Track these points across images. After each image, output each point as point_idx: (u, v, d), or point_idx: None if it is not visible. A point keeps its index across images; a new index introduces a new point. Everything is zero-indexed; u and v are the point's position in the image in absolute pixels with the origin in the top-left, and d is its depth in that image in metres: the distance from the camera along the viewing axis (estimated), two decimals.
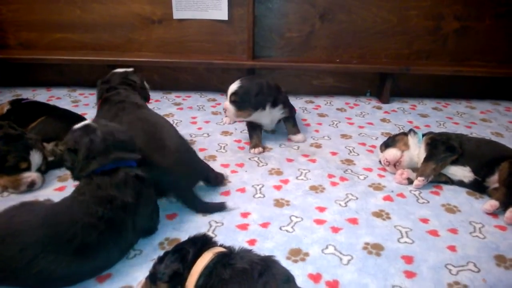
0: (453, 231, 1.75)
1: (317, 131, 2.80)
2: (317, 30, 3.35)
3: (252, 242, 1.65)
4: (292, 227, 1.75)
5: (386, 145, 2.28)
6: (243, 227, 1.74)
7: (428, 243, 1.67)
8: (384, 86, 3.34)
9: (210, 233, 1.68)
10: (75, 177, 1.57)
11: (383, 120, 3.02)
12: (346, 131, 2.79)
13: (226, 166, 2.27)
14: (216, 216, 1.81)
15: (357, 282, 1.45)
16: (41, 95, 3.42)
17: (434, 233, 1.73)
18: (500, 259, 1.58)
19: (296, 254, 1.58)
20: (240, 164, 2.30)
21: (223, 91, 3.15)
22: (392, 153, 2.19)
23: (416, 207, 1.92)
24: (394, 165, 2.19)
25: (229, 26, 3.37)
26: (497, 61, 3.38)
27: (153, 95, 3.45)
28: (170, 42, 3.46)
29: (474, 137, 2.27)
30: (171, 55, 3.43)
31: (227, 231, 1.71)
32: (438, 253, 1.61)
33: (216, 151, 2.47)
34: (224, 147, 2.53)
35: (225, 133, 2.72)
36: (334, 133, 2.76)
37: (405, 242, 1.67)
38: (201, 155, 2.38)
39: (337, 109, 3.24)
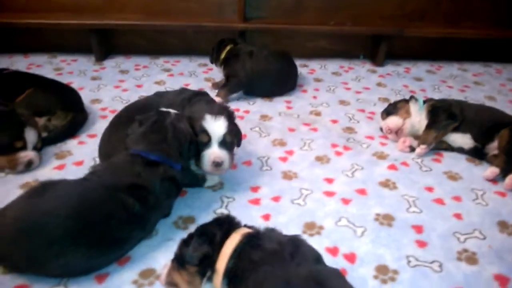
0: (457, 198, 1.82)
1: (315, 97, 2.78)
2: None
3: (266, 217, 1.66)
4: (303, 200, 1.77)
5: (387, 112, 2.29)
6: (255, 201, 1.75)
7: (435, 212, 1.73)
8: (378, 49, 3.30)
9: (224, 209, 1.69)
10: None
11: (379, 84, 3.02)
12: (343, 97, 2.78)
13: None
14: (227, 192, 1.81)
15: (373, 253, 1.50)
16: (19, 63, 3.22)
17: (439, 201, 1.79)
18: (503, 225, 1.66)
19: (311, 227, 1.61)
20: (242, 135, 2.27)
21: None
22: (394, 121, 2.21)
23: (420, 176, 1.97)
24: (396, 133, 2.22)
25: None
26: (489, 23, 3.38)
27: (140, 60, 3.34)
28: (154, 3, 3.27)
29: (474, 104, 2.31)
30: (157, 17, 3.25)
31: (240, 207, 1.72)
32: (445, 221, 1.67)
33: None
34: None
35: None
36: (332, 99, 2.75)
37: (414, 211, 1.72)
38: None
39: (332, 73, 3.20)
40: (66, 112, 2.23)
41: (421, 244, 1.55)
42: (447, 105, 2.17)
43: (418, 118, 2.21)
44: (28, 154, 1.91)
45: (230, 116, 1.73)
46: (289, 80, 2.81)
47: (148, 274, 1.39)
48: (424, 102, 2.26)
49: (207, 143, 1.66)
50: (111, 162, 1.50)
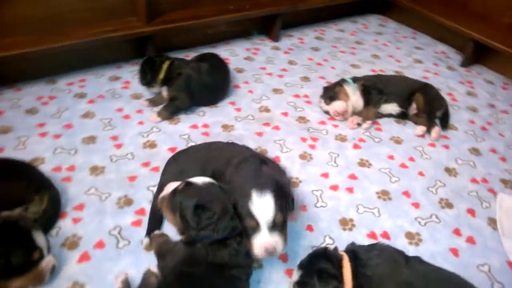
0: (412, 159, 2.45)
1: (250, 91, 2.96)
2: None
3: (310, 227, 1.97)
4: (323, 202, 2.12)
5: (330, 98, 2.71)
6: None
7: (407, 176, 2.33)
8: (274, 25, 3.60)
9: None
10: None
11: (290, 62, 3.37)
12: (273, 85, 3.05)
13: None
14: None
15: (395, 225, 2.01)
16: None
17: (403, 165, 2.40)
18: (448, 171, 2.39)
19: (346, 223, 2.01)
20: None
21: (117, 61, 3.09)
22: (340, 105, 2.66)
23: (377, 147, 2.53)
24: (342, 114, 2.69)
25: None
26: None
27: (38, 90, 2.80)
28: (40, 19, 2.72)
29: (390, 75, 2.96)
30: (51, 36, 2.74)
31: None
32: (417, 181, 2.29)
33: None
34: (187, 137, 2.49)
35: (196, 127, 2.62)
36: (265, 90, 2.98)
37: (395, 181, 2.29)
38: None
39: (244, 58, 3.38)
40: (40, 193, 1.90)
41: (416, 205, 2.14)
42: (373, 83, 2.73)
43: (355, 98, 2.70)
44: (50, 260, 1.64)
45: (278, 188, 1.59)
46: (228, 83, 2.92)
47: None
48: (354, 81, 2.76)
49: (255, 228, 1.53)
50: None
